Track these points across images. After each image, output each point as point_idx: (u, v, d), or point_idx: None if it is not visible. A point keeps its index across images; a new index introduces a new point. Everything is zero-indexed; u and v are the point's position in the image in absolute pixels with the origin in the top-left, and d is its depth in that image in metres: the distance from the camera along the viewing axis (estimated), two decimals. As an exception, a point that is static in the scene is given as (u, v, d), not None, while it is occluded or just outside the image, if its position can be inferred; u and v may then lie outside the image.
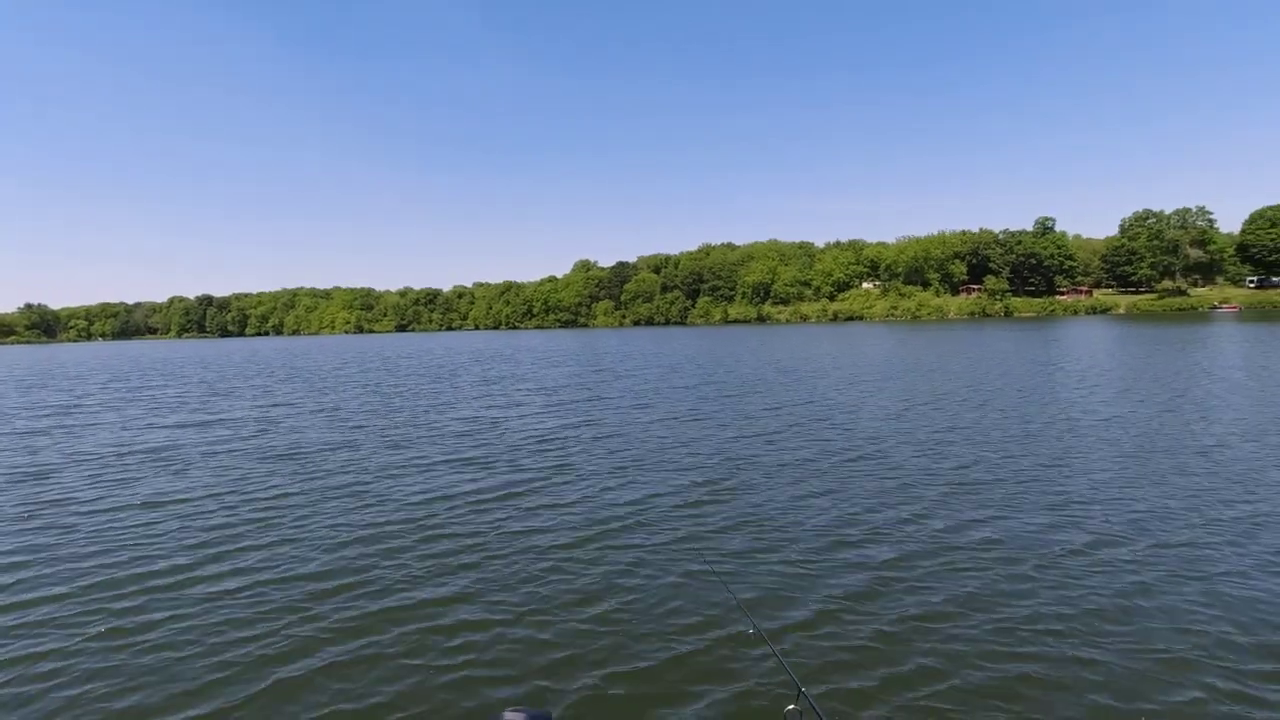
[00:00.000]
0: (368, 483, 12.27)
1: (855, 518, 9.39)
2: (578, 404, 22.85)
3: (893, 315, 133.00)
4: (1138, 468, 11.52)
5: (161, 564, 8.43)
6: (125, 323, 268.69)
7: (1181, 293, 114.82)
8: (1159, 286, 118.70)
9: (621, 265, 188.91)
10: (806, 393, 23.05)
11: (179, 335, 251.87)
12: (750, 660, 5.85)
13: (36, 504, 11.45)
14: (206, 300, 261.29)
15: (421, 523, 9.75)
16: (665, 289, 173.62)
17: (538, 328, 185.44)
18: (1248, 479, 10.58)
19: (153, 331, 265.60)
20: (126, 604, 7.30)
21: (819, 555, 8.11)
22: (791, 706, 2.82)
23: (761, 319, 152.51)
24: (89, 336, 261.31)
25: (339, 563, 8.26)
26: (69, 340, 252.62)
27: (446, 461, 13.86)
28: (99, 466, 14.45)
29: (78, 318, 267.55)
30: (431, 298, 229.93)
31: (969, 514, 9.36)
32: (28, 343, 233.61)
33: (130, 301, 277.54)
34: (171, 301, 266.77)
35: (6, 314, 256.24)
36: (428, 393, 27.81)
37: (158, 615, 7.00)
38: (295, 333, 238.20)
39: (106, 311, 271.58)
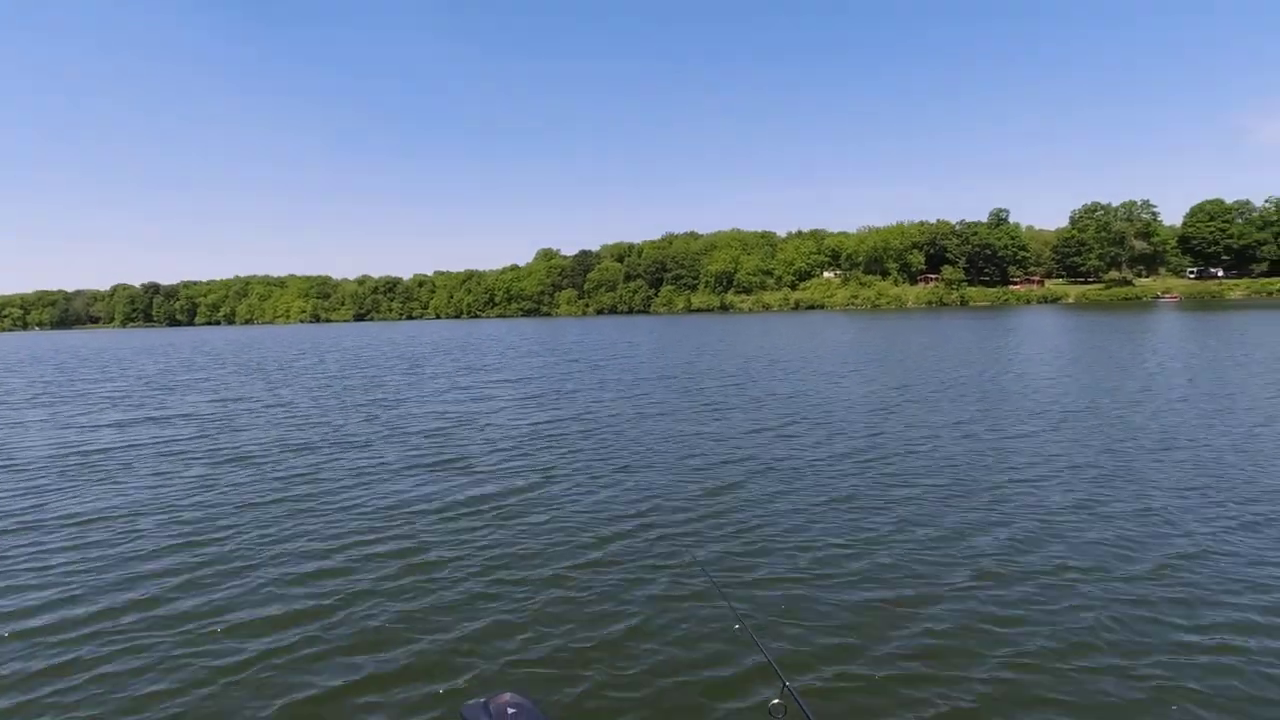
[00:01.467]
0: (329, 492, 11.23)
1: (841, 513, 9.32)
2: (553, 397, 22.30)
3: (853, 304, 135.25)
4: (1117, 462, 11.71)
5: (80, 596, 7.29)
6: (65, 311, 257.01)
7: (1127, 283, 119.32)
8: (1106, 277, 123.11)
9: (584, 254, 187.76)
10: (787, 385, 23.01)
11: (123, 324, 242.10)
12: (735, 655, 5.78)
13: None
14: (153, 288, 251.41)
15: (392, 537, 8.97)
16: (628, 278, 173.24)
17: (500, 316, 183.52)
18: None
19: (95, 321, 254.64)
20: (38, 646, 6.26)
21: (806, 552, 8.01)
22: (776, 700, 2.79)
23: (724, 308, 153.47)
24: (25, 326, 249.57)
25: (297, 590, 7.38)
26: (3, 330, 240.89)
27: (417, 465, 12.96)
28: (17, 474, 13.29)
29: (12, 306, 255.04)
30: (391, 286, 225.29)
31: (961, 510, 9.31)
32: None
33: (70, 289, 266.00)
34: (115, 290, 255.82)
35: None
36: (393, 386, 26.88)
37: (78, 656, 6.03)
38: (248, 322, 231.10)
39: (44, 300, 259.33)
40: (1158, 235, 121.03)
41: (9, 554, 8.70)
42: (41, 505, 10.95)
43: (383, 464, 13.15)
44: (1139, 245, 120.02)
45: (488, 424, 17.44)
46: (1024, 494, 9.96)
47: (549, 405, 20.43)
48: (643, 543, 8.52)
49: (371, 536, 8.94)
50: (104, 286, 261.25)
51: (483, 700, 2.26)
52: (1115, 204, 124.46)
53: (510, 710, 2.17)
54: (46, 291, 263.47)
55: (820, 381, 23.42)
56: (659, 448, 13.89)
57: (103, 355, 56.61)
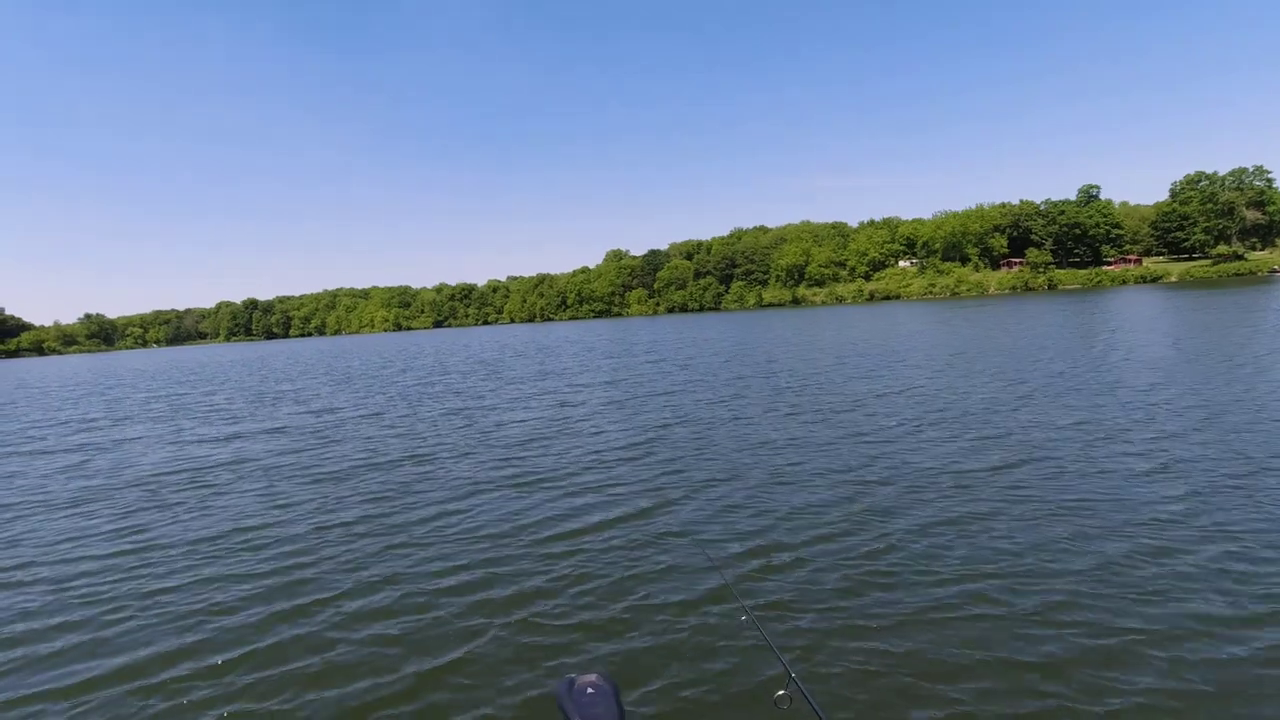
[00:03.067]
0: (427, 512, 10.83)
1: (863, 504, 9.38)
2: (644, 400, 21.75)
3: (930, 293, 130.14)
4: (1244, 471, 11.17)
5: (162, 645, 6.88)
6: (177, 329, 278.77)
7: (1239, 257, 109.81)
8: (1213, 252, 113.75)
9: (653, 253, 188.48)
10: (881, 382, 22.74)
11: (227, 339, 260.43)
12: (742, 647, 6.03)
13: (39, 545, 10.42)
14: (251, 304, 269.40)
15: (481, 557, 8.69)
16: (698, 275, 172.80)
17: (572, 319, 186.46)
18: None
19: (202, 336, 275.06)
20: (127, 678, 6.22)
21: (819, 544, 8.26)
22: (781, 692, 2.82)
23: (796, 302, 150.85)
24: (144, 344, 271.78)
25: (386, 632, 6.85)
26: (126, 348, 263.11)
27: (510, 482, 12.38)
28: (116, 496, 13.36)
29: (134, 325, 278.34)
30: (467, 293, 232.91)
31: (995, 509, 9.17)
32: (89, 351, 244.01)
33: (181, 308, 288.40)
34: (219, 307, 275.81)
35: (69, 325, 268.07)
36: (479, 394, 26.94)
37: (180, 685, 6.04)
38: (337, 332, 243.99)
39: (159, 319, 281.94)
40: (1274, 204, 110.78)
41: (101, 583, 8.67)
42: (136, 529, 11.01)
43: (475, 481, 12.72)
44: (1251, 216, 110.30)
45: (582, 432, 16.98)
46: (1113, 503, 9.50)
47: (642, 409, 19.94)
48: (651, 530, 8.91)
49: (463, 559, 8.76)
50: (209, 304, 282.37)
51: (571, 678, 2.43)
52: (1222, 172, 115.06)
53: (589, 690, 2.33)
54: (161, 311, 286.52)
55: (911, 378, 22.99)
56: (745, 456, 13.73)
57: (207, 368, 61.15)
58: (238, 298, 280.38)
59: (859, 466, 11.84)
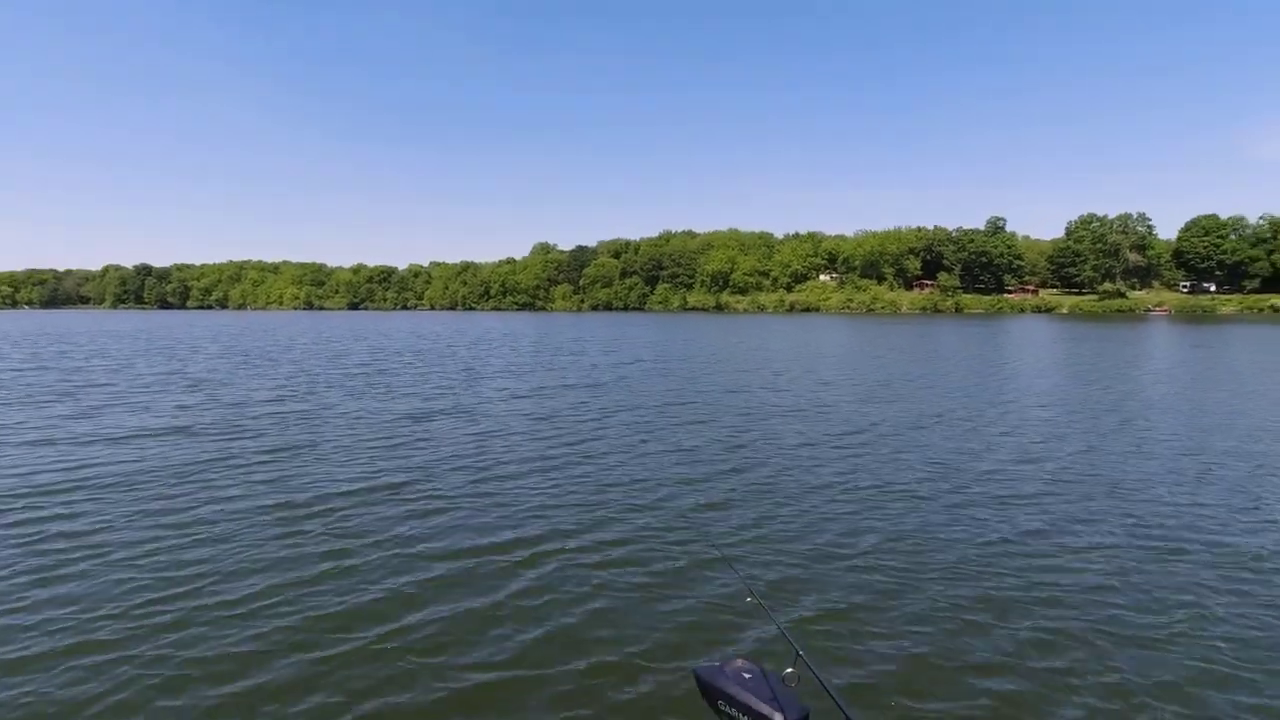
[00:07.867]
0: (410, 568, 7.53)
1: (861, 499, 9.59)
2: (649, 411, 18.59)
3: (848, 308, 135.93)
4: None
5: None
6: (54, 291, 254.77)
7: (1121, 295, 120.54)
8: (1100, 288, 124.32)
9: (581, 249, 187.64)
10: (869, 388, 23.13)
11: (114, 306, 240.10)
12: (749, 628, 6.14)
13: None
14: (145, 270, 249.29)
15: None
16: (624, 274, 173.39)
17: (495, 309, 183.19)
18: None
19: (85, 301, 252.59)
20: None
21: (820, 528, 8.60)
22: (789, 670, 2.76)
23: (720, 308, 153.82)
24: (14, 304, 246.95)
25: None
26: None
27: (533, 515, 9.35)
28: None
29: (2, 284, 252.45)
30: (386, 276, 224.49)
31: (982, 496, 9.54)
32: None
33: (61, 269, 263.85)
34: (106, 270, 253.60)
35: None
36: (436, 391, 22.11)
37: None
38: (241, 307, 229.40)
39: (34, 278, 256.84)
40: (1152, 249, 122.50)
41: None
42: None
43: (489, 520, 9.18)
44: (1133, 258, 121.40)
45: (595, 454, 13.27)
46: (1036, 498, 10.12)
47: (659, 425, 16.64)
48: (656, 520, 8.98)
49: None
50: (95, 267, 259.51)
51: (717, 664, 2.42)
52: (1111, 216, 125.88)
53: (745, 675, 2.33)
54: (37, 270, 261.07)
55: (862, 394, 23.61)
56: (764, 456, 13.64)
57: (76, 337, 55.80)
58: (128, 262, 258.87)
59: (874, 466, 11.83)
